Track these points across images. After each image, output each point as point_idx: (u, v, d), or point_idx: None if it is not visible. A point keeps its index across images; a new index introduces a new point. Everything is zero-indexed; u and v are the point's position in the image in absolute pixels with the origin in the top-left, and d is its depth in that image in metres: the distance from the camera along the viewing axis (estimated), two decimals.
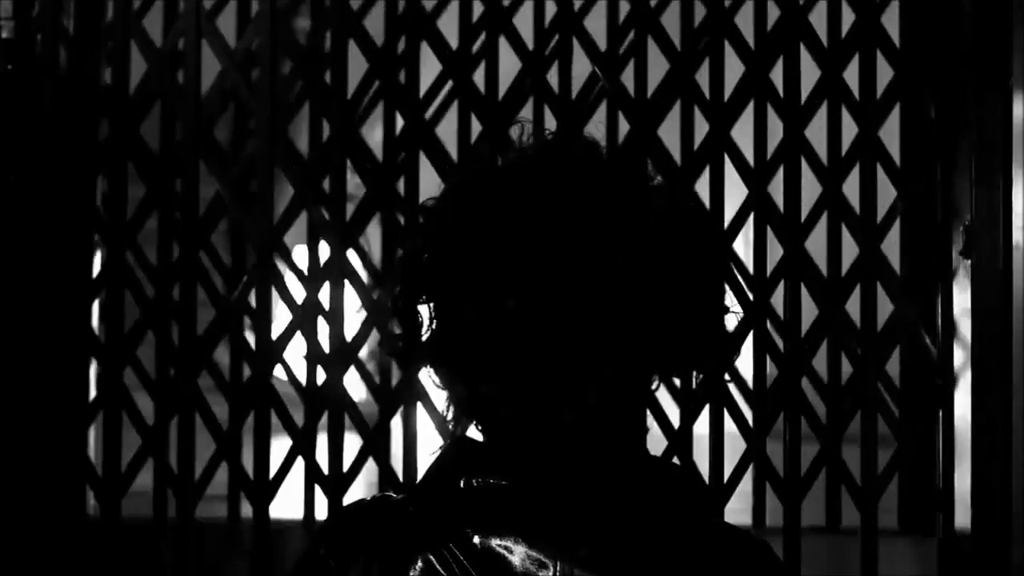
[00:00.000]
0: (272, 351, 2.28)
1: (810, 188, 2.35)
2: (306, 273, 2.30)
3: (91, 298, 2.26)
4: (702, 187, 2.32)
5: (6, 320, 2.22)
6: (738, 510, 2.33)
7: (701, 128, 2.34)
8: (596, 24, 2.36)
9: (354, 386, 2.29)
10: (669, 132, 2.33)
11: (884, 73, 2.36)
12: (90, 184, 2.27)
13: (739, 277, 2.32)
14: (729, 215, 2.32)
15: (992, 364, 2.28)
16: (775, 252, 2.34)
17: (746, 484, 2.33)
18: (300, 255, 2.34)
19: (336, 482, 2.26)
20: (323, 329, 2.29)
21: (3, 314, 2.22)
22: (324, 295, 2.30)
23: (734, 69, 2.36)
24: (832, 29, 2.36)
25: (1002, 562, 2.26)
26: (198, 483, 2.27)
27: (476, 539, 1.41)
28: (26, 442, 2.21)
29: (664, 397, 2.24)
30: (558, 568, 1.40)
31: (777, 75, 2.35)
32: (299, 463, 2.28)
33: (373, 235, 2.33)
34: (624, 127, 2.33)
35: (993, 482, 2.27)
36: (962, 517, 2.30)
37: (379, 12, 2.38)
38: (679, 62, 2.33)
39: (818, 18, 2.38)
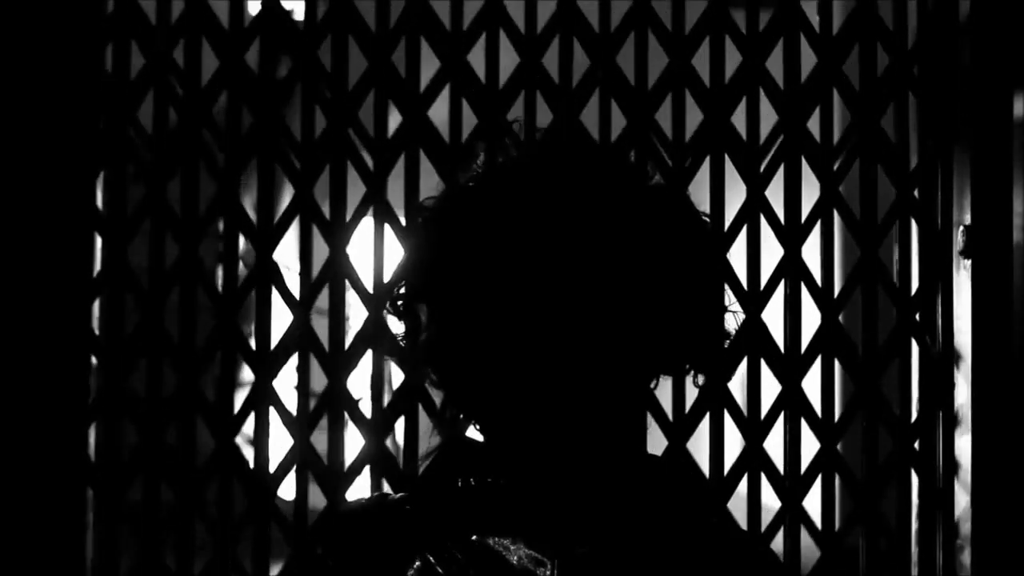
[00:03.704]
0: (272, 351, 2.28)
1: (809, 190, 2.34)
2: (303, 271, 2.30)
3: (91, 298, 2.26)
4: (702, 187, 2.32)
5: (6, 320, 2.22)
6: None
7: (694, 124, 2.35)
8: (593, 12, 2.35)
9: (354, 385, 2.29)
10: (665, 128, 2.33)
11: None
12: (90, 182, 2.27)
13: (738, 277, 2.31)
14: (728, 216, 2.32)
15: (992, 364, 2.28)
16: (775, 255, 2.34)
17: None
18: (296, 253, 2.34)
19: (335, 481, 2.26)
20: (322, 328, 2.29)
21: (3, 314, 2.22)
22: (324, 294, 2.30)
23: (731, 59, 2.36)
24: (828, 23, 2.37)
25: (1003, 561, 2.27)
26: (197, 482, 2.27)
27: (474, 538, 1.41)
28: (26, 442, 2.21)
29: (665, 398, 2.24)
30: (556, 566, 1.40)
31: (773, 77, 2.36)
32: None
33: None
34: (618, 121, 2.32)
35: (993, 482, 2.27)
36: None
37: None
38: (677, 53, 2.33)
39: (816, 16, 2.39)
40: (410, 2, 2.32)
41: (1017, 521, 2.26)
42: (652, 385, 1.52)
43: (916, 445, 2.33)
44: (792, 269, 2.32)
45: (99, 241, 2.28)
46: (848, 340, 2.32)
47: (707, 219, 1.56)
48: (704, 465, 2.28)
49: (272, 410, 2.27)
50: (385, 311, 2.09)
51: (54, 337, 2.22)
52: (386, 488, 2.24)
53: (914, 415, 2.34)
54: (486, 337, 1.42)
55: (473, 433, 1.52)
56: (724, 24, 2.34)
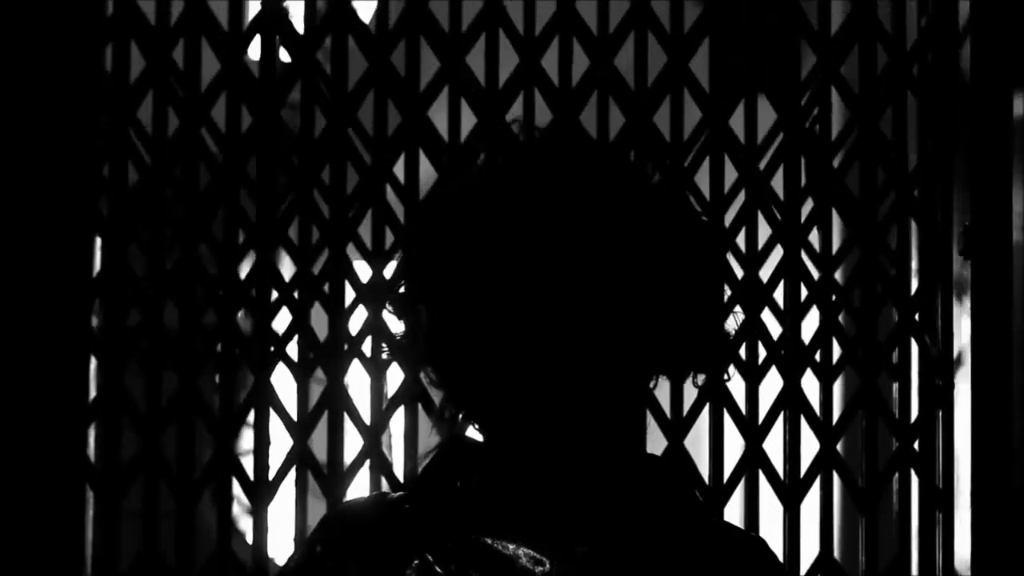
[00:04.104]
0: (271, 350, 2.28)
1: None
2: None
3: (91, 298, 2.26)
4: (701, 186, 2.32)
5: (6, 320, 2.22)
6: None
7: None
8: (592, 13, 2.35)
9: (353, 384, 2.29)
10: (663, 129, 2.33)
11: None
12: (90, 183, 2.27)
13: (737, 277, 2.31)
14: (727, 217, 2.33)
15: (992, 364, 2.28)
16: (774, 255, 2.34)
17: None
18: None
19: (334, 481, 2.26)
20: (321, 327, 2.29)
21: (3, 314, 2.22)
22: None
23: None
24: (827, 23, 2.37)
25: (1002, 562, 2.27)
26: (197, 483, 2.27)
27: (473, 537, 1.41)
28: (26, 442, 2.21)
29: (664, 396, 2.24)
30: (555, 566, 1.40)
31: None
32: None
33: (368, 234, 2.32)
34: (616, 122, 2.32)
35: (993, 482, 2.27)
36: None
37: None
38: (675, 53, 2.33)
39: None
40: (409, 2, 2.33)
41: (1017, 521, 2.26)
42: (651, 385, 1.52)
43: (916, 445, 2.33)
44: (792, 269, 2.32)
45: (99, 242, 2.28)
46: (848, 340, 2.32)
47: (706, 219, 1.56)
48: (703, 466, 2.28)
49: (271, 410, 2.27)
50: (385, 310, 2.09)
51: (54, 337, 2.22)
52: (385, 488, 2.24)
53: (914, 415, 2.34)
54: (486, 336, 1.42)
55: (473, 433, 1.52)
56: (723, 25, 2.34)
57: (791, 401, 2.31)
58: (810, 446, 2.31)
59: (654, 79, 2.33)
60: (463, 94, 2.31)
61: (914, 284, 2.36)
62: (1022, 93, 2.28)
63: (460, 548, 1.41)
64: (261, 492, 2.26)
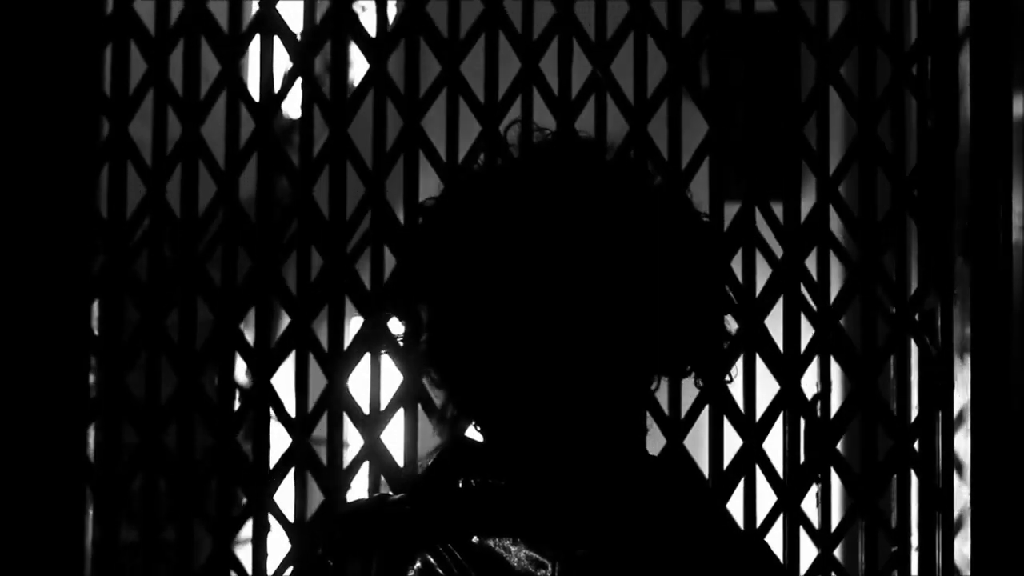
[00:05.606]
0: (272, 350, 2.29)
1: (810, 191, 2.34)
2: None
3: (91, 298, 2.26)
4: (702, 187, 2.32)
5: (6, 320, 2.22)
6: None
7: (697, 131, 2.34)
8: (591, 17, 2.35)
9: (353, 384, 2.29)
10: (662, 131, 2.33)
11: (882, 75, 2.37)
12: (90, 184, 2.27)
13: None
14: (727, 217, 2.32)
15: (992, 364, 2.28)
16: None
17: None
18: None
19: (335, 482, 2.26)
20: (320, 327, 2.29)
21: (3, 314, 2.22)
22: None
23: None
24: (825, 24, 2.37)
25: (1002, 562, 2.27)
26: (197, 483, 2.27)
27: (474, 539, 1.41)
28: (26, 442, 2.21)
29: (661, 397, 2.24)
30: (556, 568, 1.40)
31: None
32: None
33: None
34: (616, 125, 2.32)
35: (992, 483, 2.27)
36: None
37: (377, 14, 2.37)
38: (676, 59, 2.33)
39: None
40: (409, 3, 2.32)
41: (1017, 522, 2.26)
42: (652, 386, 1.52)
43: (916, 445, 2.33)
44: (791, 270, 2.32)
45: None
46: (847, 340, 2.32)
47: (707, 219, 1.56)
48: (703, 466, 2.28)
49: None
50: (386, 311, 2.10)
51: (54, 337, 2.22)
52: (385, 488, 2.24)
53: (914, 415, 2.34)
54: (487, 337, 1.42)
55: (473, 433, 1.52)
56: (722, 27, 2.34)
57: (790, 401, 2.30)
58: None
59: (655, 86, 2.32)
60: (462, 95, 2.31)
61: (913, 284, 2.36)
62: (1022, 93, 2.28)
63: (462, 550, 1.41)
64: (259, 491, 2.27)
